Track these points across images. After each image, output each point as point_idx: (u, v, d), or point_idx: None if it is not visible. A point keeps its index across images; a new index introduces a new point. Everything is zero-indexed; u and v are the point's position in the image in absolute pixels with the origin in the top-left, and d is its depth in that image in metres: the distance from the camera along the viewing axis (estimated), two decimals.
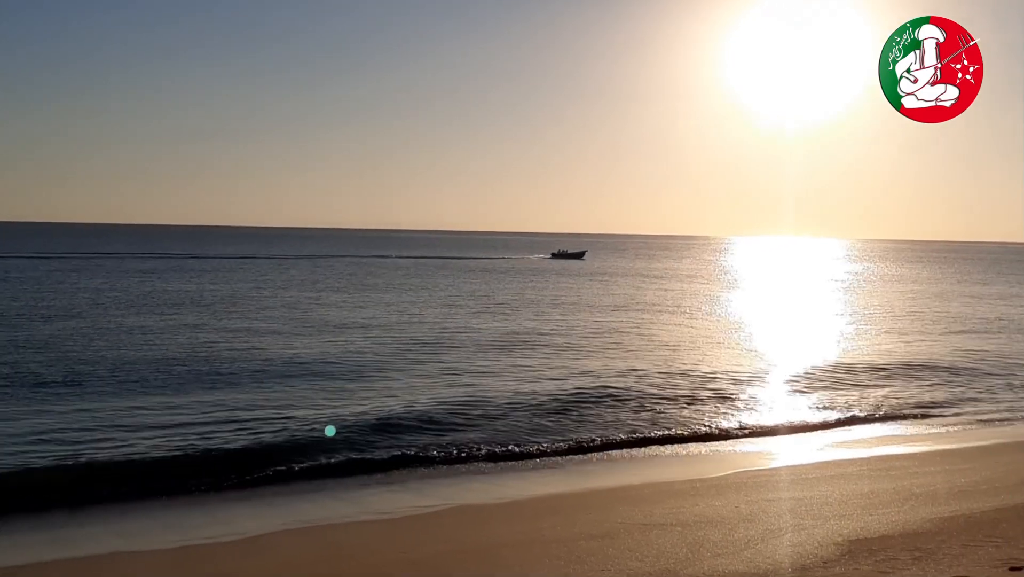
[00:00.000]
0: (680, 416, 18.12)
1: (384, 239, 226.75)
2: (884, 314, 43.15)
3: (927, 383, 22.71)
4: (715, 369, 24.16)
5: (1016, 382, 23.30)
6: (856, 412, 19.00)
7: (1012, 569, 7.28)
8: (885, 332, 34.81)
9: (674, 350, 28.21)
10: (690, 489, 12.49)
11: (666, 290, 59.65)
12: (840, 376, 23.42)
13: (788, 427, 17.58)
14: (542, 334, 31.78)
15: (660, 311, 43.17)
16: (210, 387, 20.19)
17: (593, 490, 12.77)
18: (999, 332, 35.38)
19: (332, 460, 14.17)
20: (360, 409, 17.95)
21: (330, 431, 15.27)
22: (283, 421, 16.63)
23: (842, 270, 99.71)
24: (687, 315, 41.38)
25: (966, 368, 25.26)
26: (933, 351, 28.94)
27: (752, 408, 19.21)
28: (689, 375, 23.04)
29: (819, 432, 17.34)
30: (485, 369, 23.63)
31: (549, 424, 17.11)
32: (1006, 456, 14.70)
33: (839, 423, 18.08)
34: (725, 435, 16.75)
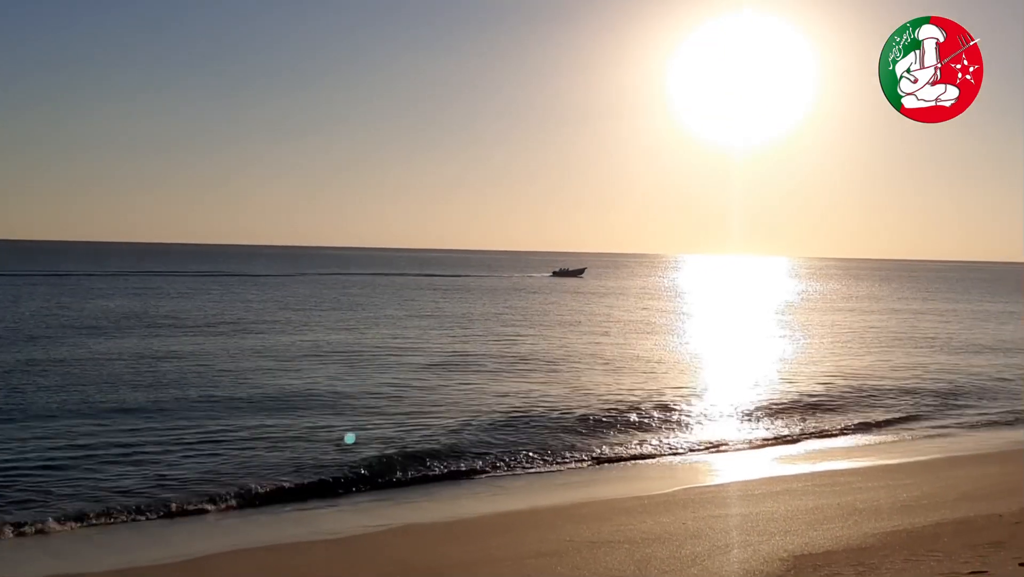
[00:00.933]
0: (626, 433, 18.18)
1: (344, 257, 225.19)
2: (826, 331, 43.80)
3: (869, 398, 23.06)
4: (662, 387, 24.32)
5: (954, 398, 23.76)
6: (801, 428, 19.23)
7: None
8: (827, 349, 35.32)
9: (621, 368, 28.35)
10: (638, 506, 12.52)
11: (611, 308, 60.00)
12: (784, 392, 23.70)
13: (734, 443, 17.73)
14: (488, 354, 31.77)
15: (608, 330, 43.40)
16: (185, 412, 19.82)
17: (541, 508, 12.74)
18: (939, 348, 36.10)
19: (288, 484, 13.91)
20: (316, 429, 17.79)
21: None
22: (250, 442, 16.43)
23: (786, 288, 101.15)
24: (634, 332, 41.63)
25: (907, 384, 25.70)
26: (874, 367, 29.42)
27: (698, 425, 19.34)
28: (636, 393, 23.15)
29: (765, 448, 17.50)
30: (430, 386, 23.53)
31: (495, 441, 17.06)
32: (946, 471, 14.96)
33: (784, 439, 18.27)
34: (672, 452, 16.84)
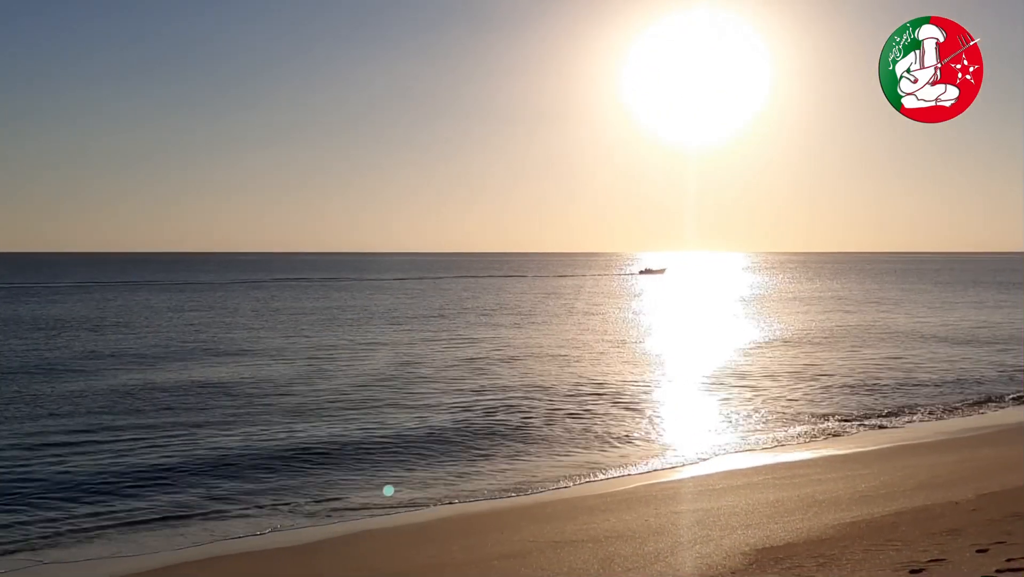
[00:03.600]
0: (587, 432, 18.20)
1: (321, 262, 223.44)
2: (778, 324, 44.26)
3: (823, 389, 23.31)
4: (620, 382, 24.42)
5: (907, 385, 24.10)
6: (759, 420, 19.38)
7: (912, 572, 7.45)
8: (780, 341, 35.69)
9: (579, 364, 28.42)
10: (600, 504, 12.53)
11: (570, 304, 60.17)
12: (740, 385, 23.91)
13: (694, 438, 17.80)
14: (439, 354, 31.68)
15: (566, 325, 43.51)
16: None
17: (504, 509, 12.70)
18: (891, 339, 36.60)
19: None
20: (270, 435, 17.59)
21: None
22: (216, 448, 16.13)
23: (742, 282, 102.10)
24: (594, 330, 41.76)
25: (860, 374, 26.03)
26: (826, 359, 29.77)
27: (658, 420, 19.42)
28: (594, 390, 23.22)
29: (724, 441, 17.58)
30: (387, 388, 23.40)
31: (455, 440, 17.00)
32: (902, 460, 15.15)
33: (743, 432, 18.38)
34: (634, 448, 16.85)
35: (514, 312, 54.02)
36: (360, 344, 35.01)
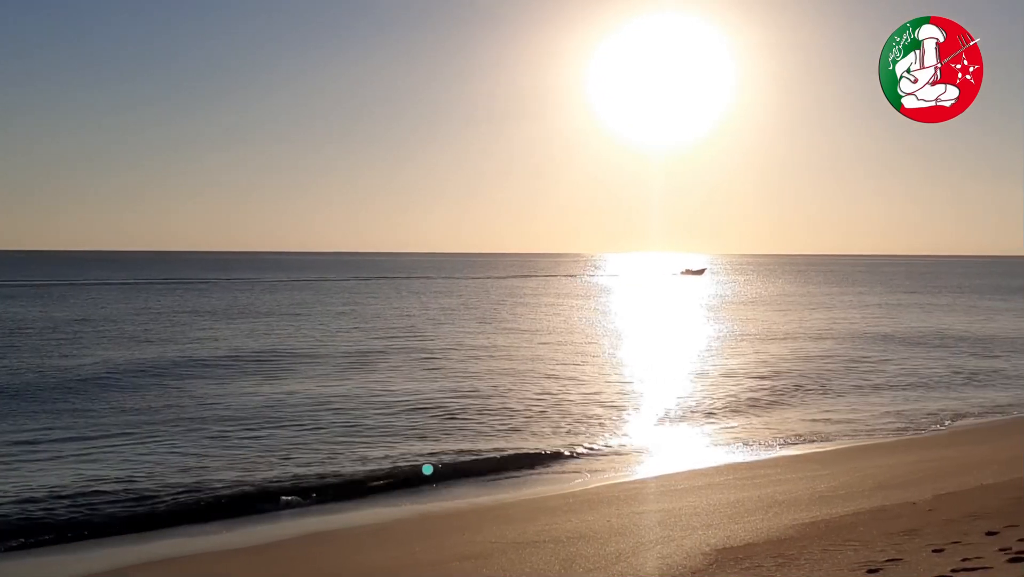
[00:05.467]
0: (549, 432, 18.20)
1: (302, 261, 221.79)
2: (737, 324, 44.61)
3: (782, 388, 23.51)
4: (584, 382, 24.47)
5: (864, 385, 24.39)
6: (719, 420, 19.50)
7: (869, 572, 7.51)
8: (740, 341, 35.96)
9: (538, 366, 28.45)
10: (563, 505, 12.52)
11: (533, 307, 60.22)
12: (701, 385, 24.07)
13: (656, 438, 17.87)
14: (398, 351, 31.59)
15: (525, 329, 43.54)
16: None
17: (465, 510, 12.66)
18: (848, 339, 37.00)
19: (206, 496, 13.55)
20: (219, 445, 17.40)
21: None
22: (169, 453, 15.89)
23: (691, 284, 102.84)
24: (551, 333, 41.82)
25: (818, 375, 26.30)
26: (785, 359, 30.05)
27: (621, 420, 19.48)
28: (555, 391, 23.25)
29: (686, 441, 17.68)
30: (345, 379, 23.27)
31: (415, 444, 16.92)
32: (861, 460, 15.30)
33: (704, 432, 18.49)
34: (596, 449, 16.87)
35: (476, 313, 53.99)
36: (316, 343, 34.82)
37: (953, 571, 7.05)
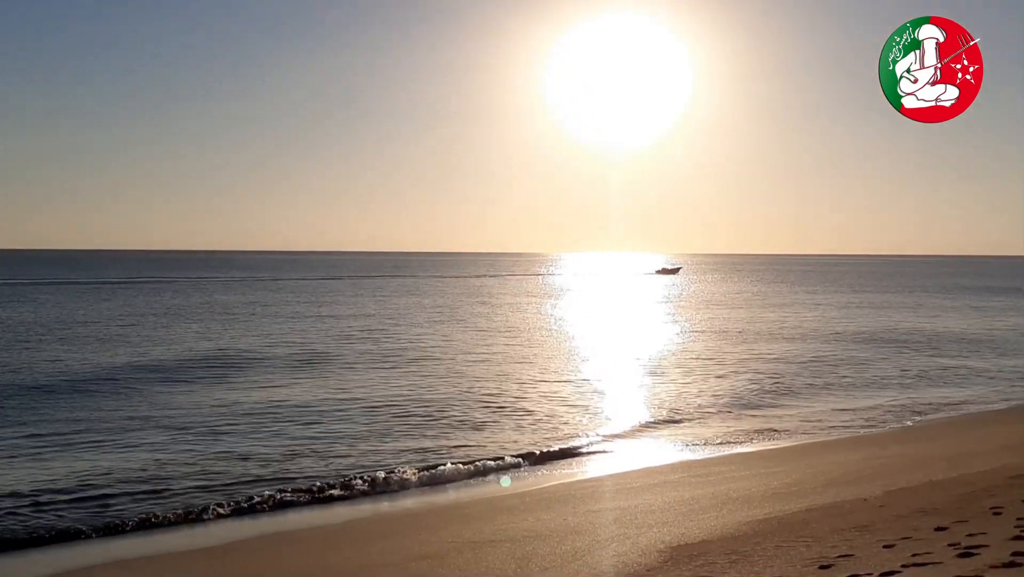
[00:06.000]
0: (504, 431, 18.20)
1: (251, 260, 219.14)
2: (692, 322, 44.97)
3: (737, 386, 23.73)
4: (541, 380, 24.51)
5: (816, 383, 24.71)
6: (675, 418, 19.62)
7: (822, 568, 7.59)
8: (696, 339, 36.25)
9: (495, 365, 28.45)
10: (519, 504, 12.52)
11: (493, 306, 60.20)
12: (657, 382, 24.22)
13: (612, 436, 17.93)
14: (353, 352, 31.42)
15: (479, 327, 43.52)
16: None
17: (422, 510, 12.62)
18: (800, 338, 37.46)
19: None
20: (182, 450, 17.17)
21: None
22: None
23: (657, 283, 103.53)
24: (511, 332, 41.84)
25: (774, 372, 26.58)
26: (740, 357, 30.35)
27: (577, 419, 19.51)
28: (512, 389, 23.26)
29: (641, 439, 17.75)
30: (293, 383, 23.09)
31: (369, 447, 16.82)
32: (813, 457, 15.48)
33: (659, 429, 18.59)
34: (551, 446, 16.87)
35: (436, 312, 53.86)
36: (267, 344, 34.51)
37: (904, 566, 7.15)
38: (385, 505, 12.99)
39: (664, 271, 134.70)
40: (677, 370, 27.53)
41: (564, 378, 25.74)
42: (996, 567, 6.71)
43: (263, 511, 12.73)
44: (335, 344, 34.08)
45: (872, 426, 19.21)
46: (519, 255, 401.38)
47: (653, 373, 26.86)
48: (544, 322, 47.41)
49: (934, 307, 60.17)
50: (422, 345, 34.23)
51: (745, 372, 27.09)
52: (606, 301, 69.95)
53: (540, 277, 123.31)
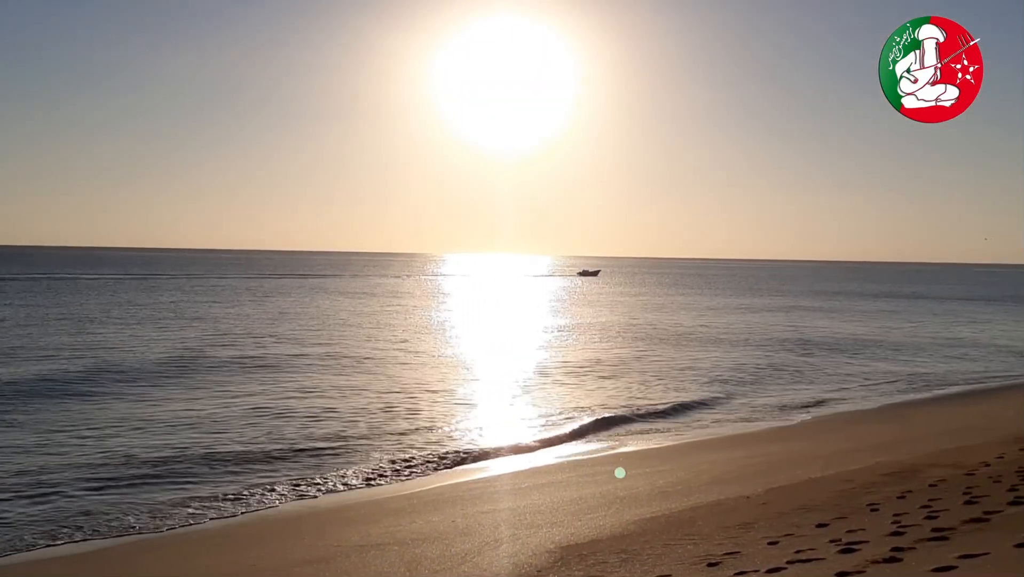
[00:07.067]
0: (390, 432, 17.97)
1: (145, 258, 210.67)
2: (577, 323, 45.51)
3: (622, 386, 24.07)
4: (426, 382, 24.35)
5: (700, 380, 25.27)
6: (561, 418, 19.73)
7: (710, 565, 7.69)
8: (580, 340, 36.67)
9: (381, 367, 28.18)
10: (407, 506, 12.33)
11: (377, 308, 59.65)
12: (543, 384, 24.36)
13: (500, 438, 17.89)
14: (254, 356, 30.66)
15: (364, 329, 43.10)
16: None
17: (306, 513, 12.29)
18: (684, 340, 38.32)
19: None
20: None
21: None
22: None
23: (545, 284, 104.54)
24: (397, 333, 41.55)
25: (658, 373, 27.07)
26: (623, 357, 30.83)
27: (463, 420, 19.43)
28: (398, 392, 23.04)
29: (528, 440, 17.76)
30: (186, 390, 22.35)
31: (256, 450, 16.36)
32: (697, 456, 15.78)
33: (546, 430, 18.65)
34: (438, 448, 16.73)
35: (316, 315, 53.03)
36: (140, 347, 33.33)
37: (789, 563, 7.29)
38: (266, 510, 12.59)
39: (585, 273, 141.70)
40: (561, 371, 27.73)
41: (448, 380, 25.61)
42: (877, 562, 6.90)
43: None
44: (209, 349, 32.91)
45: (752, 422, 19.74)
46: (408, 255, 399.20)
47: (540, 374, 26.98)
48: (428, 325, 47.19)
49: (812, 309, 62.39)
50: (303, 350, 33.58)
51: (629, 372, 27.48)
52: (492, 302, 70.14)
53: (409, 278, 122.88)
